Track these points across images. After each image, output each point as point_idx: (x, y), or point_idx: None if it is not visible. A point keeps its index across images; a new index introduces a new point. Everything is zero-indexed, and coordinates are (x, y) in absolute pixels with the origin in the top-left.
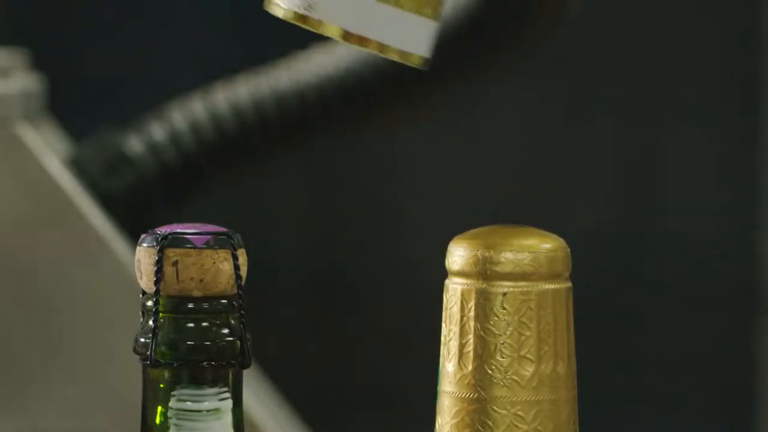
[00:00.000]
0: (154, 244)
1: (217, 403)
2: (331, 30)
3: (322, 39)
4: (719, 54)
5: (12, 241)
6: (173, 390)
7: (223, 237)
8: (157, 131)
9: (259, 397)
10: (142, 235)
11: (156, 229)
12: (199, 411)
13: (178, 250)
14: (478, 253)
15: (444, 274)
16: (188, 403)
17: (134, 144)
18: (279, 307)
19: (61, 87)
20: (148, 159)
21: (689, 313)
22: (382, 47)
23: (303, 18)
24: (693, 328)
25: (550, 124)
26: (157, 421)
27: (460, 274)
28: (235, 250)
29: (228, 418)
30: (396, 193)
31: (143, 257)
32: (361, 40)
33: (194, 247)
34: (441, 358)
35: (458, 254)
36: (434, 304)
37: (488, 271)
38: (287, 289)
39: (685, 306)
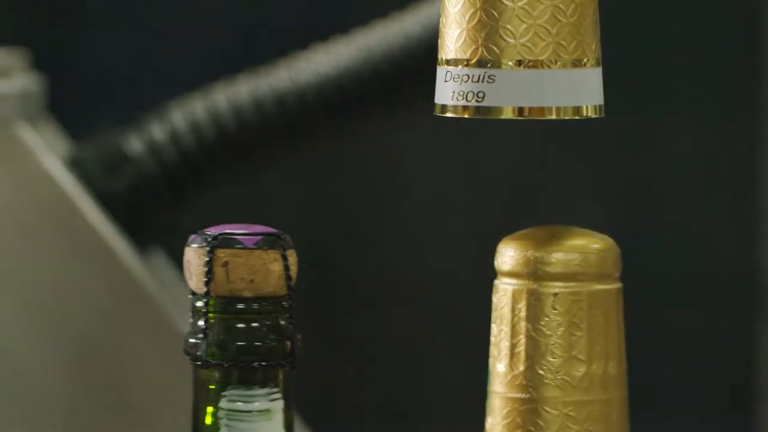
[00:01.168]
0: (204, 244)
1: (267, 403)
2: (506, 112)
3: (322, 39)
4: (719, 53)
5: (12, 241)
6: (224, 390)
7: (272, 237)
8: (157, 131)
9: None
10: (191, 236)
11: (205, 229)
12: (250, 411)
13: (228, 251)
14: (529, 254)
15: (444, 273)
16: (239, 403)
17: (134, 144)
18: None
19: (61, 87)
20: (148, 159)
21: (689, 313)
22: (558, 111)
23: (476, 110)
24: (693, 328)
25: (550, 123)
26: (208, 421)
27: (511, 274)
28: (285, 250)
29: (279, 419)
30: (396, 193)
31: (193, 258)
32: (538, 112)
33: (244, 248)
34: (491, 359)
35: (508, 255)
36: (434, 303)
37: (539, 272)
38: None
39: (685, 305)
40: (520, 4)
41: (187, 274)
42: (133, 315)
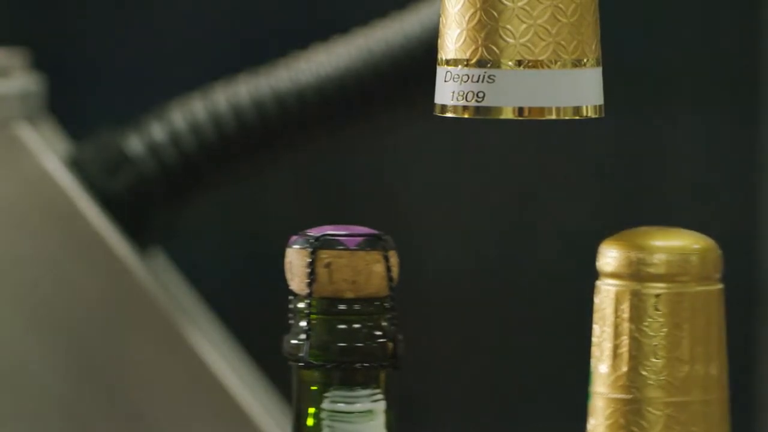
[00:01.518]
0: (307, 245)
1: (369, 404)
2: (506, 112)
3: (322, 39)
4: (719, 53)
5: (12, 241)
6: (326, 392)
7: (374, 238)
8: (157, 131)
9: (258, 398)
10: (293, 237)
11: (306, 231)
12: (352, 413)
13: (330, 252)
14: (631, 255)
15: (445, 273)
16: (341, 404)
17: (134, 144)
18: (278, 307)
19: (61, 87)
20: (148, 159)
21: None
22: (558, 111)
23: (476, 110)
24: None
25: (549, 122)
26: (310, 422)
27: (613, 275)
28: (387, 251)
29: (381, 420)
30: (396, 193)
31: (295, 259)
32: (538, 112)
33: (347, 249)
34: (592, 359)
35: (611, 256)
36: (435, 303)
37: (641, 273)
38: (287, 288)
39: None
40: (520, 4)
41: (288, 275)
42: (133, 315)
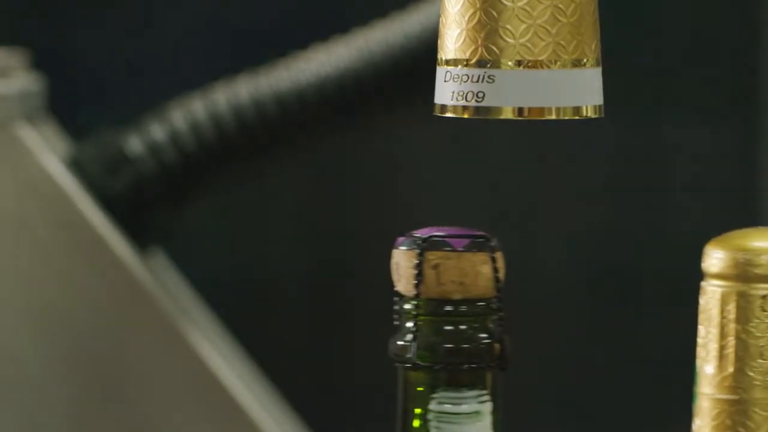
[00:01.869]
0: (414, 247)
1: (476, 405)
2: (506, 112)
3: (322, 39)
4: (719, 52)
5: (12, 240)
6: (432, 393)
7: (481, 240)
8: (157, 131)
9: (258, 398)
10: (399, 238)
11: (412, 232)
12: (458, 414)
13: (438, 253)
14: (737, 256)
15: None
16: (447, 405)
17: (134, 144)
18: (278, 307)
19: (61, 87)
20: (148, 159)
21: (689, 313)
22: (558, 111)
23: (476, 110)
24: (693, 328)
25: (549, 122)
26: (416, 424)
27: (719, 276)
28: (494, 253)
29: (487, 421)
30: (396, 193)
31: (402, 260)
32: (538, 112)
33: (454, 250)
34: (698, 360)
35: (716, 257)
36: None
37: (748, 274)
38: (287, 288)
39: (685, 305)
40: (519, 4)
41: (395, 276)
42: (133, 315)
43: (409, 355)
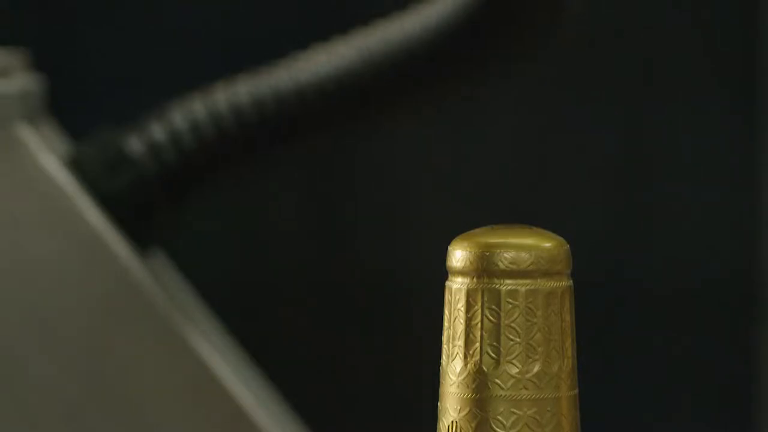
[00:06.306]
0: None
1: None
2: None
3: (322, 39)
4: (719, 52)
5: (11, 241)
6: None
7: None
8: (157, 131)
9: (258, 398)
10: None
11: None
12: None
13: None
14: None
15: (444, 274)
16: None
17: (134, 144)
18: (278, 307)
19: (61, 87)
20: (148, 159)
21: (689, 313)
22: None
23: None
24: (693, 328)
25: (549, 122)
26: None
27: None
28: None
29: None
30: (396, 193)
31: None
32: None
33: None
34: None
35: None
36: (434, 304)
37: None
38: (287, 288)
39: (685, 305)
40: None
41: None
42: (133, 315)
43: None
